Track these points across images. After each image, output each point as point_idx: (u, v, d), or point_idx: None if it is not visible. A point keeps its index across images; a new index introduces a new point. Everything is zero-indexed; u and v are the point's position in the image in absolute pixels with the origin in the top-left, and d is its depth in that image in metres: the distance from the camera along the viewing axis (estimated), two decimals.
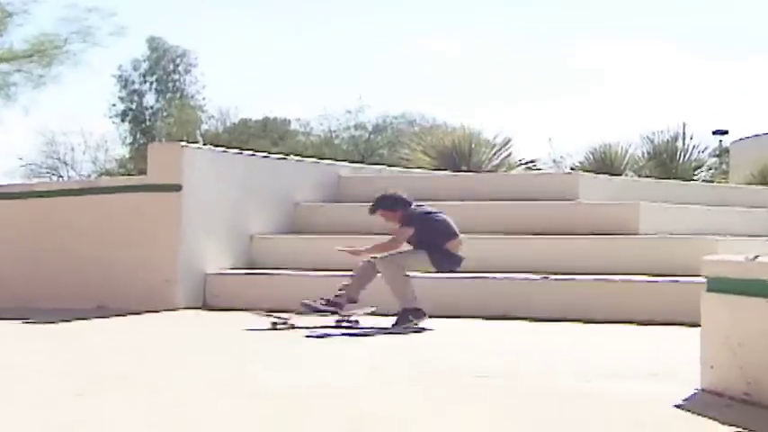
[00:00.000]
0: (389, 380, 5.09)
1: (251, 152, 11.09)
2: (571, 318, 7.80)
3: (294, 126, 42.91)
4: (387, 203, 7.81)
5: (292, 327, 7.41)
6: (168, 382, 5.02)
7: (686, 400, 4.43)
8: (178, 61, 43.84)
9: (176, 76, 44.18)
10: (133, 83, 44.04)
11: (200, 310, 8.84)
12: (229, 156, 10.18)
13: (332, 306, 7.52)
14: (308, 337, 6.98)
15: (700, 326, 4.68)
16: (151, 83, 43.87)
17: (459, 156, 14.27)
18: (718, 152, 26.06)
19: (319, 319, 7.49)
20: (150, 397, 4.56)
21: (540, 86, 59.82)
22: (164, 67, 43.84)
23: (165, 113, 42.80)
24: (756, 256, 4.38)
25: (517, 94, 60.05)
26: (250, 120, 42.57)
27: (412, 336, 7.04)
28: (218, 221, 9.57)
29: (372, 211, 7.87)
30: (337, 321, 7.51)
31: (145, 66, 44.06)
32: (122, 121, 43.58)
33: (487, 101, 55.50)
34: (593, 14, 58.55)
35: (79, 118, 45.14)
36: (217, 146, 11.71)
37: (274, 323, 7.48)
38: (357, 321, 7.58)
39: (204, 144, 25.71)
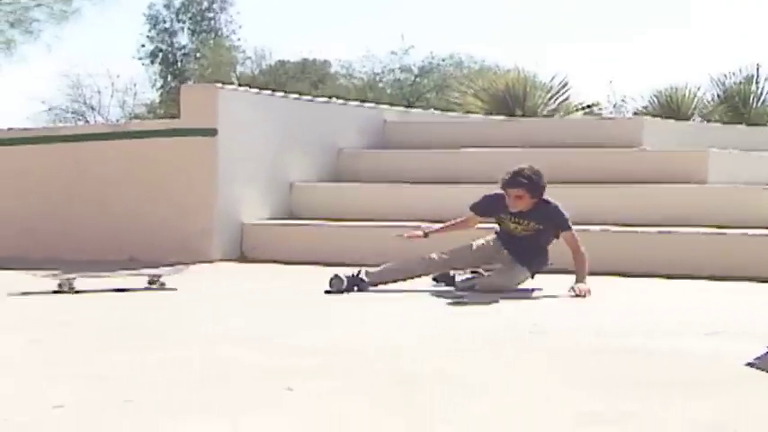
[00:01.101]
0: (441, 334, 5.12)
1: (292, 95, 11.10)
2: (633, 272, 7.78)
3: (335, 68, 42.78)
4: (535, 189, 6.90)
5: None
6: (205, 335, 5.09)
7: (759, 358, 4.41)
8: None
9: (211, 15, 44.11)
10: (164, 21, 44.00)
11: (237, 263, 8.92)
12: (268, 98, 10.21)
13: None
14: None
15: None
16: (184, 21, 43.81)
17: (512, 100, 14.22)
18: None
19: None
20: (181, 352, 4.61)
21: (600, 24, 59.06)
22: (198, 4, 43.75)
23: (198, 55, 42.80)
24: None
25: (575, 34, 59.37)
26: (288, 61, 42.47)
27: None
28: (256, 168, 9.62)
29: (510, 185, 6.89)
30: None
31: (177, 3, 43.98)
32: (152, 62, 43.60)
33: (542, 41, 54.94)
34: None
35: (106, 59, 45.37)
36: (253, 88, 11.72)
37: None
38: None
39: (240, 87, 25.77)
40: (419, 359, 4.48)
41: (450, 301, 6.50)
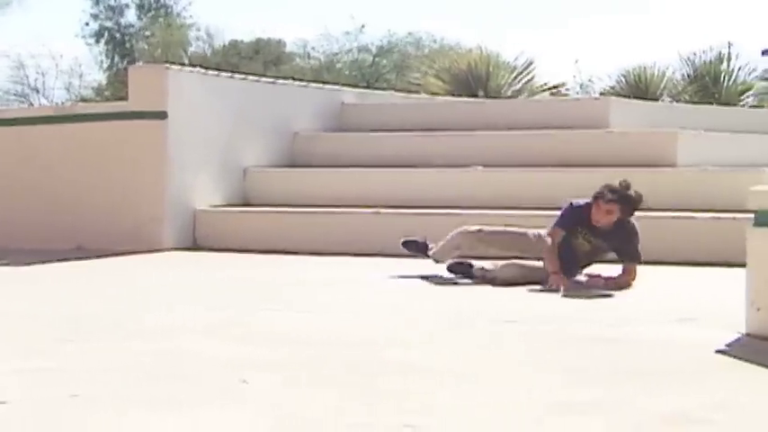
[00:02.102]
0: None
1: (246, 76, 11.05)
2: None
3: (290, 48, 42.62)
4: (630, 211, 6.76)
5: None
6: (156, 326, 5.08)
7: (729, 345, 4.47)
8: None
9: None
10: None
11: (189, 251, 8.90)
12: (221, 79, 10.16)
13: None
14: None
15: (744, 266, 4.71)
16: None
17: (475, 80, 14.25)
18: (767, 75, 25.90)
19: None
20: (137, 343, 4.61)
21: (567, 2, 59.22)
22: None
23: (147, 34, 42.44)
24: None
25: (540, 11, 59.49)
26: (241, 41, 42.25)
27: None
28: (209, 153, 9.58)
29: (613, 201, 6.67)
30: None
31: None
32: (97, 42, 43.15)
33: (506, 19, 55.02)
34: None
35: (49, 40, 44.84)
36: (206, 69, 11.66)
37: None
38: None
39: (191, 67, 25.62)
40: (386, 347, 4.50)
41: (426, 285, 6.52)
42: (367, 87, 29.58)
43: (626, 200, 6.63)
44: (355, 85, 24.24)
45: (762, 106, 17.93)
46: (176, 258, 8.52)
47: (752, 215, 4.69)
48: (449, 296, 6.27)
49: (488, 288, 6.53)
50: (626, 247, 6.72)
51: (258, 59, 38.78)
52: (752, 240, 4.64)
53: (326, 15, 66.27)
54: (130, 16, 43.45)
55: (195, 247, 9.07)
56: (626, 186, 6.69)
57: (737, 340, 4.55)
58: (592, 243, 6.80)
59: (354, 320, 5.34)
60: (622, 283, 6.59)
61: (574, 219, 6.85)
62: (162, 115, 9.06)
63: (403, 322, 5.28)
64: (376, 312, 5.61)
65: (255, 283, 6.98)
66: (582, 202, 6.85)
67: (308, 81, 16.62)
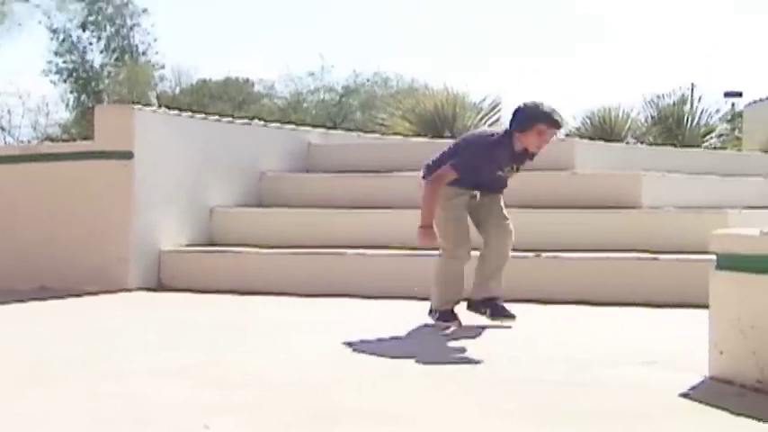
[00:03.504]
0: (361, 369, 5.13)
1: (212, 116, 11.05)
2: (565, 299, 7.83)
3: (257, 88, 42.74)
4: None
5: None
6: (121, 369, 5.03)
7: (693, 388, 4.47)
8: (122, 7, 42.95)
9: (122, 26, 43.39)
10: (71, 36, 43.16)
11: (154, 292, 8.85)
12: (187, 120, 10.14)
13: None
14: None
15: (708, 307, 4.72)
16: (97, 37, 43.12)
17: (442, 121, 14.31)
18: (730, 116, 26.15)
19: None
20: (102, 386, 4.56)
21: (533, 45, 59.74)
22: (110, 18, 43.11)
23: (113, 72, 42.33)
24: None
25: (506, 51, 59.96)
26: (209, 80, 42.37)
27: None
28: (175, 193, 9.55)
29: (559, 125, 6.49)
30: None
31: (78, 10, 42.88)
32: (65, 80, 43.02)
33: (473, 61, 55.42)
34: None
35: (15, 77, 44.72)
36: (173, 109, 11.66)
37: None
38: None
39: (159, 107, 25.64)
40: (341, 390, 4.48)
41: (393, 326, 6.51)
42: (333, 127, 29.71)
43: (564, 122, 6.55)
44: (322, 125, 24.34)
45: (724, 148, 18.12)
46: (141, 299, 8.46)
47: (715, 257, 4.71)
48: (411, 338, 6.25)
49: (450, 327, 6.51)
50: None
51: (226, 99, 38.87)
52: (714, 284, 4.66)
53: (293, 55, 66.49)
54: (96, 54, 43.34)
55: (160, 287, 9.02)
56: (539, 104, 6.32)
57: (701, 383, 4.56)
58: (518, 170, 6.62)
59: (318, 362, 5.31)
60: None
61: (501, 156, 6.39)
62: (128, 155, 9.03)
63: (366, 364, 5.25)
64: (339, 354, 5.58)
65: (220, 324, 6.95)
66: (492, 134, 6.50)
67: (275, 121, 16.68)
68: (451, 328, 6.38)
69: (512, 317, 6.55)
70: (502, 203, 6.72)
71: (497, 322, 6.52)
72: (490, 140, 6.37)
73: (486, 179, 6.51)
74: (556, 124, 6.28)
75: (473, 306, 6.65)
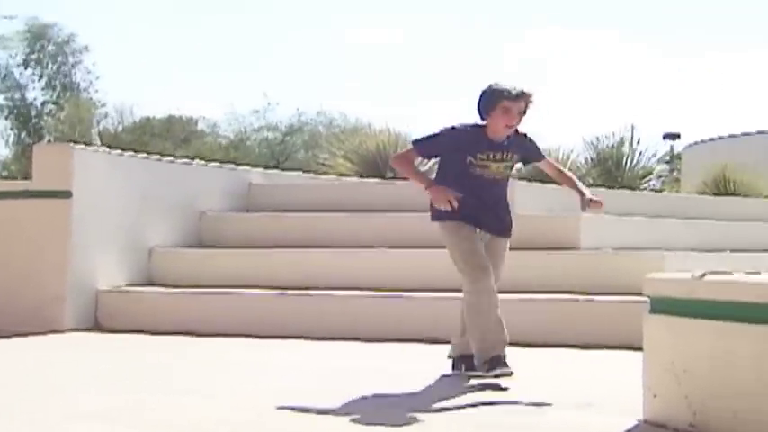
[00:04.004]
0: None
1: (152, 156, 11.00)
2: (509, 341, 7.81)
3: (201, 126, 42.61)
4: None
5: None
6: (46, 413, 4.96)
7: (629, 431, 4.49)
8: (63, 45, 42.62)
9: (64, 63, 43.07)
10: (12, 73, 42.75)
11: (90, 332, 8.75)
12: (127, 159, 10.08)
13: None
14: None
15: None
16: (32, 67, 42.63)
17: (383, 161, 14.29)
18: (668, 158, 26.45)
19: None
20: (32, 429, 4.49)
21: (473, 84, 60.21)
22: (51, 56, 42.77)
23: (53, 109, 41.96)
24: (704, 274, 4.46)
25: (447, 95, 60.38)
26: (153, 118, 42.18)
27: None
28: (114, 232, 9.47)
29: (522, 97, 5.89)
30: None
31: (17, 46, 42.56)
32: (5, 118, 42.60)
33: (415, 99, 55.74)
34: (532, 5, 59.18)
35: None
36: (115, 147, 11.60)
37: None
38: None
39: (101, 145, 25.46)
40: None
41: (331, 367, 6.47)
42: (276, 166, 29.66)
43: (526, 90, 5.88)
44: (265, 165, 24.29)
45: (663, 190, 18.31)
46: (75, 339, 8.36)
47: (648, 301, 4.74)
48: (348, 378, 6.21)
49: (383, 365, 6.48)
50: (532, 149, 6.17)
51: (169, 137, 38.70)
52: (647, 327, 4.70)
53: (239, 93, 66.44)
54: (37, 92, 42.97)
55: (97, 328, 8.92)
56: (494, 84, 5.92)
57: (635, 427, 4.58)
58: (506, 160, 5.98)
59: (247, 405, 5.26)
60: (565, 170, 6.46)
61: (468, 138, 5.89)
62: (66, 194, 8.95)
63: (295, 410, 5.22)
64: (270, 396, 5.53)
65: (155, 365, 6.87)
66: (462, 124, 5.99)
67: (218, 159, 16.62)
68: (507, 375, 5.71)
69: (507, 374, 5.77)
70: (503, 259, 6.20)
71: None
72: (460, 124, 5.97)
73: (467, 182, 5.89)
74: (517, 96, 5.82)
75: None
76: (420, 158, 6.09)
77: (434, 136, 5.98)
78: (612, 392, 5.52)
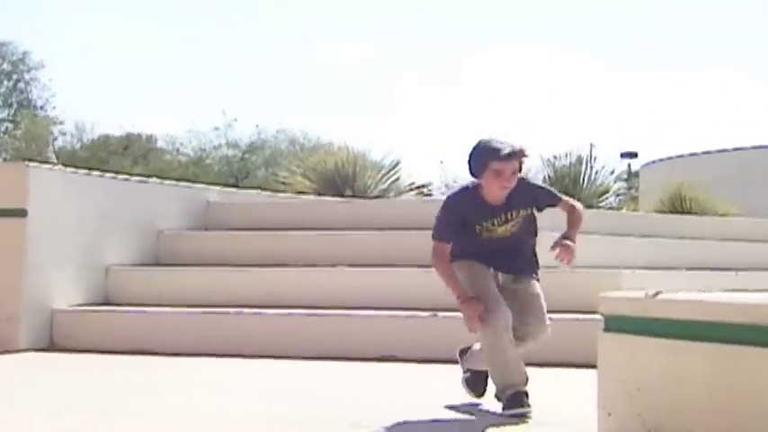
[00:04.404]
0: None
1: (109, 174, 10.95)
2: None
3: (160, 144, 42.46)
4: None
5: None
6: None
7: None
8: (18, 63, 42.40)
9: (19, 80, 42.81)
10: None
11: (46, 352, 8.67)
12: (84, 177, 10.02)
13: None
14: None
15: None
16: None
17: (342, 179, 14.33)
18: (626, 176, 26.65)
19: None
20: None
21: (433, 103, 60.44)
22: (2, 69, 42.49)
23: (9, 127, 41.67)
24: (657, 293, 4.50)
25: (406, 111, 60.57)
26: (112, 136, 41.98)
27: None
28: (70, 251, 9.41)
29: (513, 156, 5.42)
30: None
31: None
32: None
33: (372, 117, 55.86)
34: (492, 24, 59.54)
35: None
36: (72, 165, 11.55)
37: None
38: None
39: (58, 162, 25.32)
40: None
41: (288, 387, 6.44)
42: (236, 183, 29.61)
43: (518, 148, 5.43)
44: (224, 183, 24.23)
45: (620, 208, 18.43)
46: (31, 360, 8.28)
47: (602, 319, 4.77)
48: (306, 399, 6.20)
49: (345, 388, 6.47)
50: (541, 195, 5.71)
51: (127, 154, 38.54)
52: (601, 345, 4.72)
53: (196, 110, 66.32)
54: None
55: (53, 347, 8.85)
56: (481, 142, 5.50)
57: None
58: (512, 218, 5.59)
59: (198, 426, 5.23)
60: (577, 212, 5.70)
61: (464, 211, 5.58)
62: (21, 213, 8.88)
63: (258, 427, 5.21)
64: (219, 417, 5.51)
65: (110, 386, 6.81)
66: (460, 188, 5.71)
67: (177, 177, 16.57)
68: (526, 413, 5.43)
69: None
70: (540, 298, 5.70)
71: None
72: (454, 194, 5.69)
73: (479, 243, 5.61)
74: (507, 156, 5.35)
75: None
76: (448, 245, 5.61)
77: (442, 219, 5.60)
78: (568, 411, 5.54)
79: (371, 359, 7.99)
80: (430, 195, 16.11)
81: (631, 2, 61.56)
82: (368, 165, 14.96)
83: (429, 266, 9.21)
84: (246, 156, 40.16)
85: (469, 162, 5.50)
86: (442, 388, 6.67)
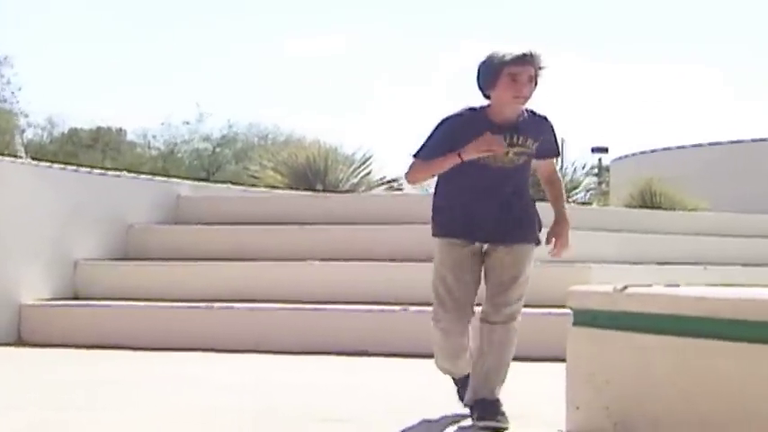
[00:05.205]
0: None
1: (79, 168, 10.90)
2: (432, 353, 7.82)
3: (131, 137, 42.28)
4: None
5: None
6: None
7: None
8: None
9: None
10: None
11: (14, 347, 8.63)
12: (53, 171, 9.97)
13: None
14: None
15: None
16: None
17: (313, 174, 14.32)
18: (597, 171, 26.73)
19: None
20: None
21: (403, 96, 60.45)
22: None
23: None
24: (625, 287, 4.53)
25: (379, 105, 60.56)
26: (82, 129, 41.75)
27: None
28: (39, 245, 9.36)
29: (526, 61, 4.81)
30: None
31: None
32: None
33: (345, 110, 55.82)
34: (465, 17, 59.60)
35: None
36: (41, 159, 11.49)
37: None
38: None
39: (27, 156, 25.15)
40: None
41: (258, 383, 6.44)
42: (207, 177, 29.52)
43: (536, 52, 4.84)
44: (195, 176, 24.16)
45: (591, 203, 18.48)
46: None
47: (571, 313, 4.79)
48: (273, 394, 6.20)
49: (313, 382, 6.48)
50: (553, 135, 5.14)
51: (97, 148, 38.35)
52: (570, 338, 4.75)
53: (173, 105, 66.14)
54: None
55: (20, 342, 8.80)
56: (495, 51, 4.88)
57: None
58: (519, 144, 4.92)
59: (160, 424, 5.21)
60: (561, 182, 5.33)
61: (466, 132, 4.82)
62: None
63: (225, 422, 5.21)
64: (187, 413, 5.50)
65: (78, 380, 6.76)
66: (463, 108, 4.96)
67: (147, 171, 16.51)
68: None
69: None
70: (514, 277, 5.16)
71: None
72: (454, 113, 4.94)
73: (470, 183, 4.97)
74: (523, 58, 4.77)
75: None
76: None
77: (430, 137, 4.92)
78: (538, 405, 5.56)
79: (342, 353, 8.00)
80: (401, 190, 16.12)
81: None
82: (339, 159, 14.97)
83: (401, 261, 9.39)
84: (218, 149, 40.06)
85: (479, 74, 4.87)
86: (415, 382, 6.70)
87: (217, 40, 59.18)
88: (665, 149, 26.28)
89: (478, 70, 4.87)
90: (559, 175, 5.26)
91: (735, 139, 25.69)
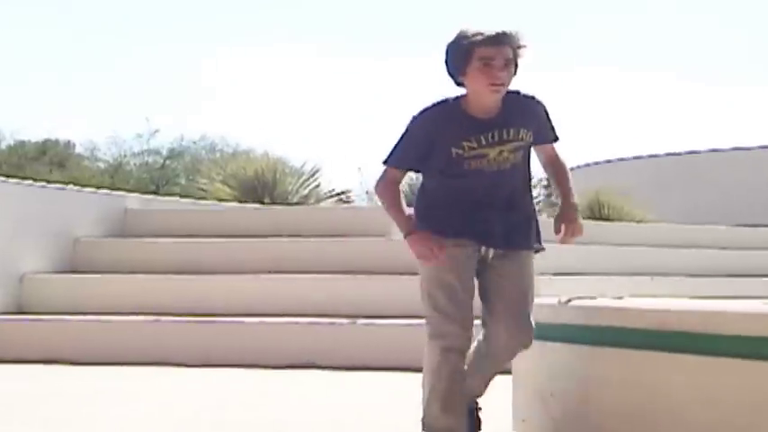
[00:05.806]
0: None
1: (25, 180, 10.81)
2: (382, 366, 7.85)
3: (79, 150, 41.92)
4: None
5: None
6: None
7: None
8: None
9: None
10: None
11: None
12: None
13: None
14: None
15: None
16: None
17: (262, 186, 14.30)
18: (546, 182, 26.82)
19: None
20: None
21: (350, 108, 60.52)
22: None
23: None
24: (569, 300, 4.56)
25: (328, 117, 60.57)
26: (28, 141, 41.36)
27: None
28: None
29: (502, 41, 4.04)
30: None
31: None
32: None
33: (292, 124, 55.82)
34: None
35: None
36: None
37: None
38: None
39: None
40: None
41: (205, 398, 6.40)
42: (156, 191, 29.35)
43: (512, 32, 4.09)
44: (144, 190, 24.01)
45: (539, 214, 18.56)
46: None
47: None
48: (222, 408, 6.18)
49: (263, 394, 6.46)
50: (548, 117, 4.35)
51: (44, 161, 37.99)
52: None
53: (118, 117, 65.68)
54: None
55: None
56: (464, 30, 4.12)
57: None
58: (511, 139, 4.18)
59: None
60: (566, 165, 4.51)
61: (441, 126, 4.14)
62: None
63: None
64: (138, 427, 5.46)
65: (18, 396, 6.69)
66: (436, 101, 4.21)
67: (94, 185, 16.40)
68: None
69: None
70: (528, 278, 4.39)
71: None
72: (425, 107, 4.21)
73: (458, 188, 4.26)
74: (497, 38, 4.03)
75: None
76: (402, 176, 4.35)
77: (402, 138, 4.23)
78: (484, 418, 5.56)
79: (290, 366, 7.97)
80: (349, 202, 16.14)
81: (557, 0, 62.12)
82: (288, 171, 14.97)
83: (350, 273, 9.39)
84: (167, 162, 39.84)
85: (447, 58, 4.15)
86: (362, 395, 6.70)
87: (163, 55, 58.84)
88: (611, 161, 26.49)
89: (446, 52, 4.14)
90: (562, 158, 4.43)
91: (680, 150, 25.93)
